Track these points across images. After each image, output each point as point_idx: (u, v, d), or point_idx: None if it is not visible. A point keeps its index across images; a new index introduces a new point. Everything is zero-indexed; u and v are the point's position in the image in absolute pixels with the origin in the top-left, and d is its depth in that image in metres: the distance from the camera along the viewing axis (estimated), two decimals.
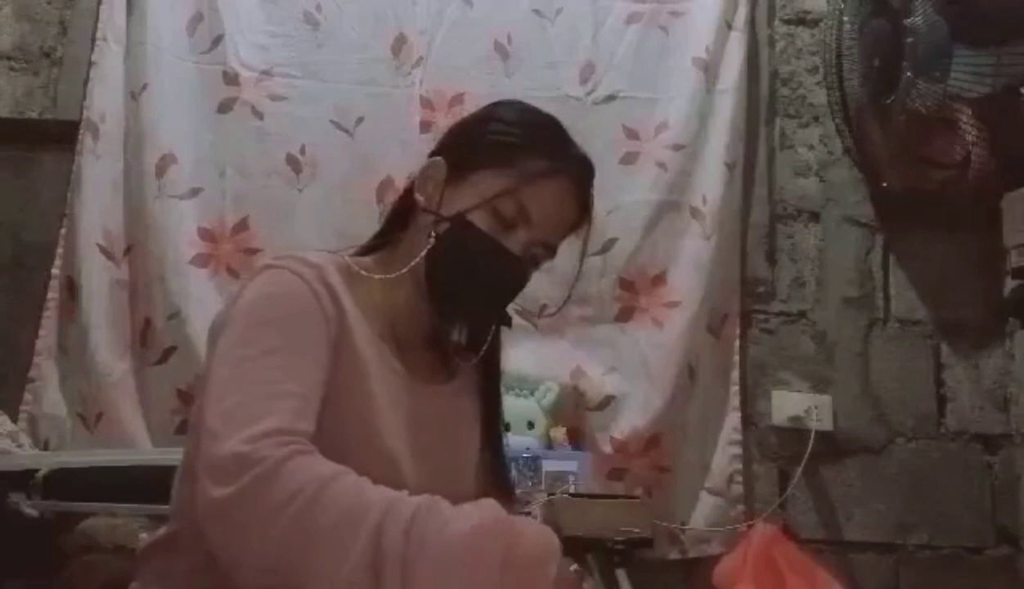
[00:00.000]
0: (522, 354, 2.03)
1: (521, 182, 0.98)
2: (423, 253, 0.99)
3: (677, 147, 2.14)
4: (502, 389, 2.04)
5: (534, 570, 0.78)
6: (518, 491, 1.57)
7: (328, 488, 0.78)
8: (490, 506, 0.82)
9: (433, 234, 0.99)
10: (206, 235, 2.06)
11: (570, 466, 1.85)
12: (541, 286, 2.10)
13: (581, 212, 1.05)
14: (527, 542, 0.79)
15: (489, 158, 1.00)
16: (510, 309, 1.08)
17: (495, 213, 0.99)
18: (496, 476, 1.12)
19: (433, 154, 1.05)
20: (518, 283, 1.04)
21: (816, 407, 2.09)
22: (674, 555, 2.01)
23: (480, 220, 0.99)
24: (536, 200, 0.99)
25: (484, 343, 1.09)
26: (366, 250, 1.09)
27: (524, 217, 0.99)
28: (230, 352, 0.88)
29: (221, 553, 0.80)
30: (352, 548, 0.76)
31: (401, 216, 1.07)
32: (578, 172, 1.03)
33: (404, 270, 1.00)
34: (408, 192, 1.06)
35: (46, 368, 2.01)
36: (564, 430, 2.00)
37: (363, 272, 1.01)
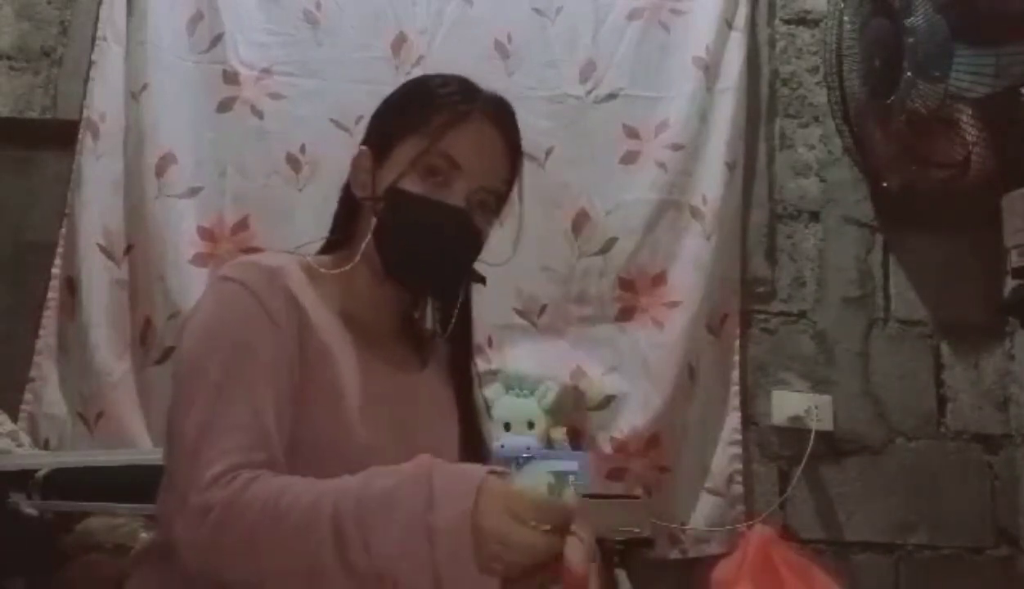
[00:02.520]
0: (522, 354, 2.04)
1: (438, 134, 1.00)
2: (369, 236, 1.01)
3: (677, 146, 2.14)
4: (502, 389, 2.05)
5: (453, 504, 0.76)
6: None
7: (280, 502, 0.81)
8: (416, 461, 0.81)
9: (374, 216, 1.01)
10: (206, 234, 2.06)
11: (570, 466, 1.85)
12: (541, 286, 2.13)
13: (509, 149, 1.05)
14: (448, 475, 0.78)
15: (404, 127, 1.02)
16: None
17: (425, 173, 1.00)
18: (476, 458, 1.11)
19: (360, 146, 1.08)
20: (468, 235, 1.03)
21: (816, 407, 2.09)
22: (674, 555, 2.01)
23: (412, 185, 1.00)
24: (458, 145, 1.00)
25: (451, 317, 1.09)
26: (323, 250, 1.10)
27: (453, 167, 1.00)
28: (184, 391, 0.90)
29: (210, 584, 0.84)
30: (319, 541, 0.78)
31: (347, 215, 1.09)
32: (492, 109, 1.04)
33: (357, 258, 1.01)
34: (346, 190, 1.09)
35: (46, 368, 2.01)
36: (564, 430, 2.00)
37: (322, 269, 1.02)
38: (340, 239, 1.10)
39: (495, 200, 1.05)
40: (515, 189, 1.09)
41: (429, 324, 1.16)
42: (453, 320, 1.09)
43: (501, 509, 0.75)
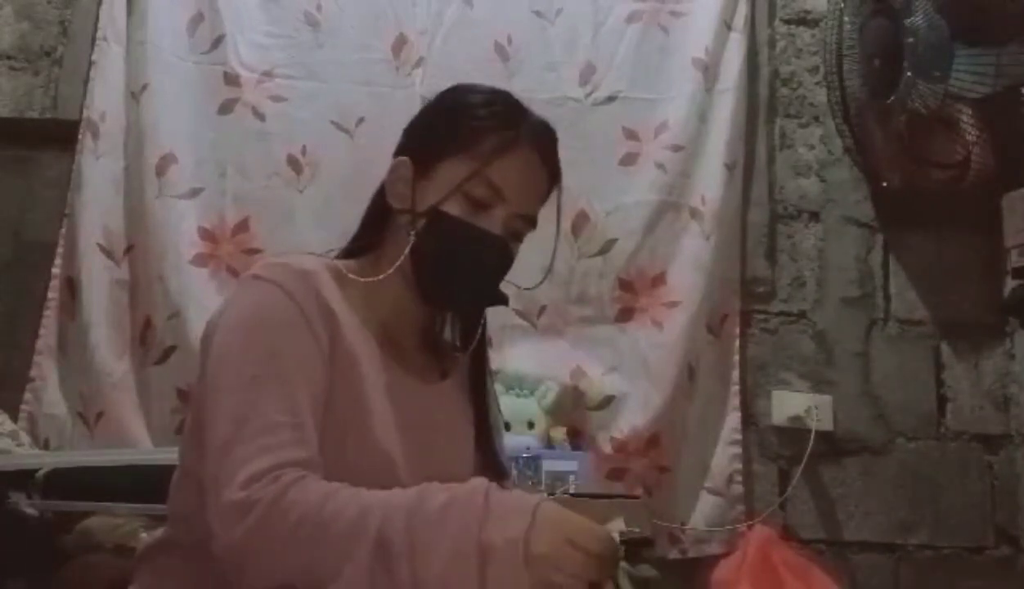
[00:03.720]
0: (522, 354, 2.04)
1: (486, 161, 0.99)
2: (406, 252, 1.00)
3: (676, 148, 2.14)
4: (502, 389, 2.05)
5: (508, 525, 0.78)
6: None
7: (325, 509, 0.80)
8: (471, 483, 0.83)
9: (412, 232, 1.00)
10: (206, 235, 2.06)
11: (570, 466, 1.85)
12: (541, 287, 2.12)
13: (549, 176, 1.06)
14: (504, 498, 0.80)
15: (450, 146, 1.01)
16: (506, 292, 1.09)
17: (468, 198, 0.99)
18: (491, 470, 1.12)
19: (397, 154, 1.06)
20: (504, 262, 1.04)
21: (816, 407, 2.09)
22: (674, 555, 2.01)
23: (455, 208, 0.99)
24: (504, 175, 1.00)
25: (475, 333, 1.10)
26: (348, 254, 1.09)
27: (497, 195, 1.00)
28: (219, 384, 0.89)
29: (243, 586, 0.83)
30: (360, 550, 0.78)
31: (376, 220, 1.08)
32: (538, 138, 1.04)
33: (391, 271, 1.01)
34: (380, 195, 1.07)
35: (46, 368, 2.01)
36: (564, 430, 2.00)
37: (351, 276, 1.01)
38: (366, 245, 1.09)
39: (528, 226, 1.05)
40: (553, 216, 1.09)
41: (448, 337, 1.16)
42: (477, 337, 1.10)
43: (556, 534, 0.77)
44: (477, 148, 1.00)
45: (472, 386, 1.14)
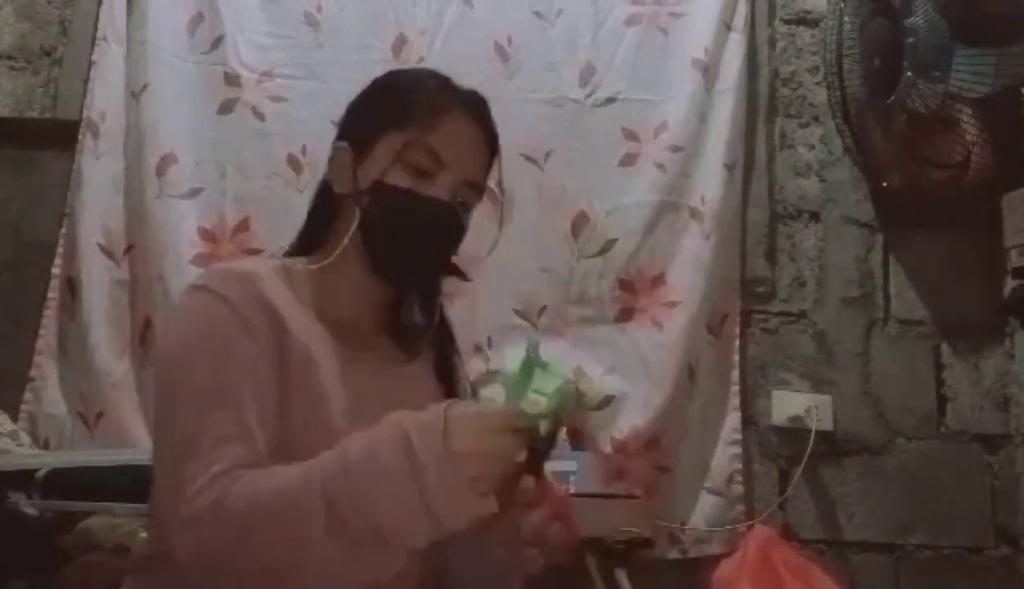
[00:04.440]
0: (522, 354, 2.03)
1: (422, 130, 1.01)
2: (353, 228, 1.01)
3: (676, 148, 2.14)
4: (502, 389, 2.04)
5: (427, 439, 0.80)
6: None
7: (267, 488, 0.82)
8: (387, 416, 0.84)
9: (358, 209, 1.01)
10: (207, 235, 2.06)
11: (570, 466, 1.85)
12: (541, 287, 2.13)
13: (488, 143, 1.07)
14: (419, 425, 0.81)
15: (385, 121, 1.03)
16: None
17: (409, 167, 1.01)
18: None
19: (335, 142, 1.09)
20: (454, 230, 1.05)
21: (816, 407, 2.09)
22: (674, 555, 2.01)
23: (397, 179, 1.01)
24: (442, 141, 1.01)
25: (435, 311, 1.10)
26: (299, 251, 1.10)
27: (437, 161, 1.01)
28: (165, 400, 0.91)
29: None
30: (315, 515, 0.80)
31: (323, 213, 1.09)
32: (471, 104, 1.06)
33: (339, 250, 1.02)
34: (324, 189, 1.09)
35: (46, 367, 2.01)
36: (564, 430, 2.00)
37: (300, 267, 1.03)
38: (314, 240, 1.09)
39: (476, 194, 1.06)
40: (496, 182, 1.10)
41: (409, 318, 1.16)
42: (438, 313, 1.11)
43: (471, 428, 0.80)
44: (412, 118, 1.01)
45: (438, 364, 1.14)
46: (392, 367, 1.08)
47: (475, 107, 1.06)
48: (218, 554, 0.81)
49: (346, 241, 1.01)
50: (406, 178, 1.01)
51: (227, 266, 1.01)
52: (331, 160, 1.08)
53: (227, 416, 0.87)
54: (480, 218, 1.11)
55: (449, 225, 1.04)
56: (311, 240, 1.10)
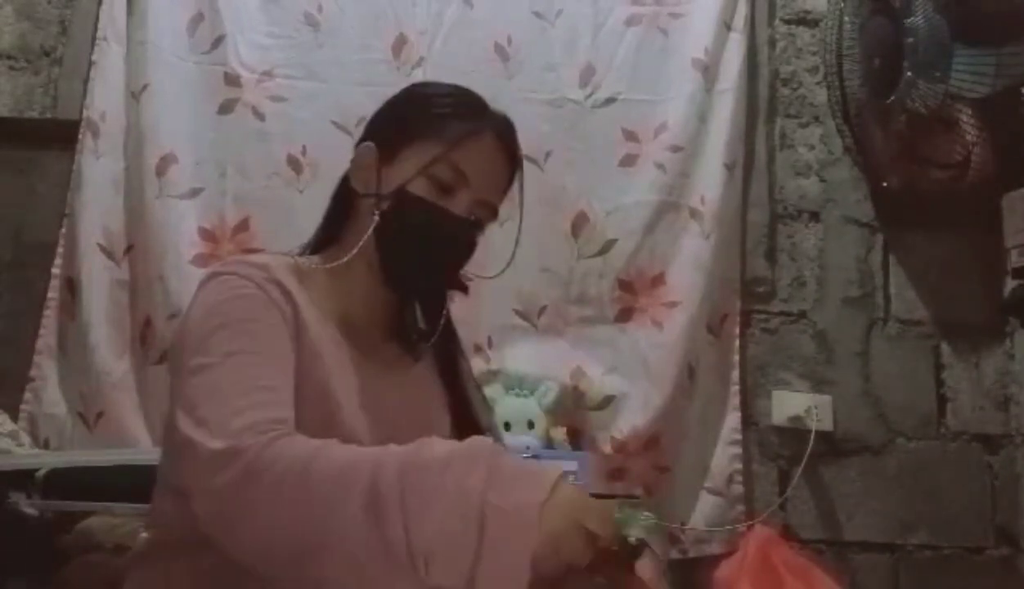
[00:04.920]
0: (522, 354, 2.04)
1: (451, 146, 1.01)
2: (370, 231, 1.01)
3: (676, 148, 2.14)
4: (502, 389, 2.05)
5: (522, 490, 0.77)
6: None
7: (316, 459, 0.79)
8: (473, 439, 0.83)
9: (376, 213, 1.02)
10: (207, 235, 2.06)
11: (570, 466, 1.84)
12: (541, 287, 2.14)
13: (510, 167, 1.08)
14: (508, 463, 0.79)
15: (417, 131, 1.04)
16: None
17: (433, 180, 1.02)
18: None
19: (359, 142, 1.09)
20: (467, 247, 1.06)
21: (816, 407, 2.09)
22: (674, 555, 2.01)
23: (420, 189, 1.01)
24: (469, 160, 1.02)
25: (440, 319, 1.11)
26: (313, 249, 1.10)
27: (461, 179, 1.02)
28: (192, 365, 0.88)
29: (231, 547, 0.81)
30: (350, 501, 0.77)
31: (340, 211, 1.10)
32: (500, 127, 1.07)
33: (354, 252, 1.02)
34: (343, 186, 1.09)
35: (46, 367, 2.01)
36: (564, 430, 2.00)
37: (313, 266, 1.03)
38: (328, 238, 1.10)
39: (491, 214, 1.07)
40: (514, 201, 1.10)
41: (414, 324, 1.16)
42: (442, 322, 1.11)
43: (570, 513, 0.76)
44: (443, 133, 1.02)
45: (442, 370, 1.14)
46: (396, 369, 1.08)
47: (504, 131, 1.07)
48: (244, 502, 0.78)
49: (361, 243, 1.01)
50: (429, 190, 1.01)
51: (242, 258, 1.01)
52: (355, 159, 1.08)
53: (260, 372, 0.87)
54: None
55: (463, 242, 1.05)
56: (326, 236, 1.11)
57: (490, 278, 1.15)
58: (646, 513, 0.84)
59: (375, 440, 0.96)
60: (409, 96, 1.11)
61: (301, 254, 1.09)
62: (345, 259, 1.02)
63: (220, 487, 0.79)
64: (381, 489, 0.76)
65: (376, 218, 1.01)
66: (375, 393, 1.01)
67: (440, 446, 0.80)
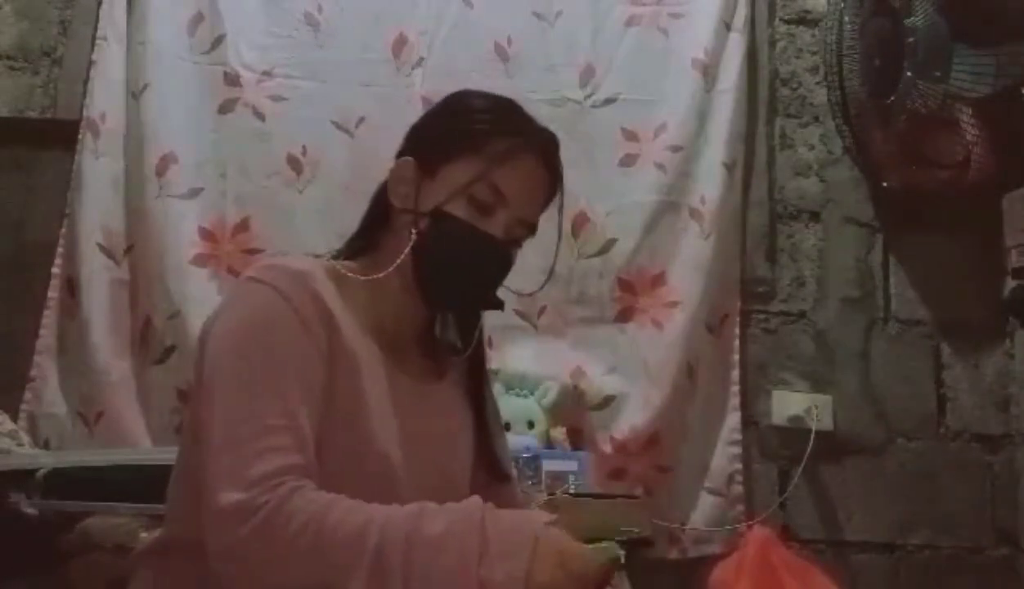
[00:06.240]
0: (522, 354, 2.04)
1: (491, 165, 1.00)
2: (407, 250, 1.01)
3: (676, 148, 2.14)
4: (502, 389, 2.05)
5: (509, 559, 0.79)
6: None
7: (326, 520, 0.81)
8: (466, 505, 0.84)
9: (414, 231, 1.01)
10: (207, 235, 2.06)
11: (570, 466, 1.85)
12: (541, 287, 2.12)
13: (551, 183, 1.07)
14: (502, 528, 0.82)
15: (456, 148, 1.02)
16: (504, 298, 1.10)
17: (472, 200, 1.00)
18: (492, 467, 1.13)
19: (400, 154, 1.07)
20: (504, 267, 1.05)
21: (816, 407, 2.09)
22: (674, 555, 2.01)
23: (458, 210, 1.00)
24: (508, 180, 1.01)
25: (473, 336, 1.11)
26: (348, 254, 1.09)
27: (500, 199, 1.01)
28: (218, 391, 0.89)
29: None
30: (359, 567, 0.79)
31: (377, 219, 1.09)
32: (543, 145, 1.05)
33: (391, 269, 1.01)
34: (381, 196, 1.07)
35: (46, 367, 2.01)
36: (564, 430, 2.00)
37: (350, 274, 1.02)
38: (364, 245, 1.09)
39: (528, 232, 1.06)
40: (552, 217, 1.10)
41: (446, 339, 1.16)
42: (475, 339, 1.11)
43: (555, 564, 0.80)
44: (483, 152, 1.00)
45: (469, 388, 1.14)
46: (425, 383, 1.08)
47: (546, 147, 1.06)
48: (259, 558, 0.81)
49: (399, 261, 1.01)
50: (467, 210, 1.00)
51: (283, 262, 0.99)
52: (394, 172, 1.06)
53: (278, 408, 0.87)
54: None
55: (500, 262, 1.04)
56: (363, 244, 1.10)
57: (528, 294, 1.14)
58: (605, 543, 0.87)
59: (402, 450, 0.98)
60: (451, 108, 1.09)
61: (336, 257, 1.08)
62: (383, 274, 1.01)
63: (234, 543, 0.81)
64: (387, 555, 0.79)
65: (413, 236, 1.01)
66: (405, 403, 1.01)
67: (439, 520, 0.82)
